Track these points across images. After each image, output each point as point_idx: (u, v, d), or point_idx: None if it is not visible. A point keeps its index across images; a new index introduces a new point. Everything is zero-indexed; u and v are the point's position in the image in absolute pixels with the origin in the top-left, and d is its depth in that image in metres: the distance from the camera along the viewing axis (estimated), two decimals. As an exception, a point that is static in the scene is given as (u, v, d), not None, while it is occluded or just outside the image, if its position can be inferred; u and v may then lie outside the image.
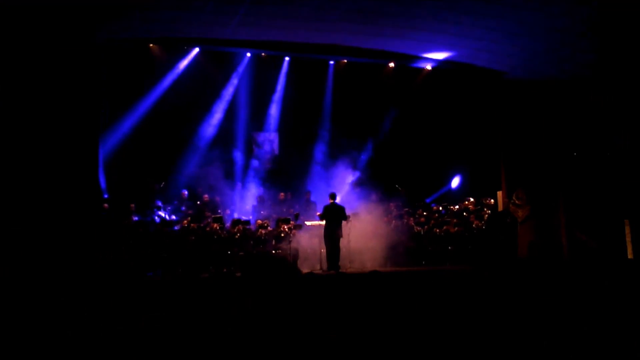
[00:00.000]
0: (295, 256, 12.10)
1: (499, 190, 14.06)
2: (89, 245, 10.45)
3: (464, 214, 14.54)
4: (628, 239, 12.10)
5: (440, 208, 14.77)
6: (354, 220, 12.26)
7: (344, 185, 14.07)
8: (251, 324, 4.11)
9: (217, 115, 14.74)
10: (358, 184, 13.81)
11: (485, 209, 14.57)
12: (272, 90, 15.33)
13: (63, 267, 9.60)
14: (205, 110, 14.63)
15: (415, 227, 13.73)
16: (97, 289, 7.57)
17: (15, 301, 5.75)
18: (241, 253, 12.08)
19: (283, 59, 15.09)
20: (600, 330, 4.06)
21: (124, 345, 3.93)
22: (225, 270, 11.82)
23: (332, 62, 15.37)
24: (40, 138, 10.28)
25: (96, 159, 11.62)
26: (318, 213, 12.32)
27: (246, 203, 14.17)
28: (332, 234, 11.65)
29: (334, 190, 12.46)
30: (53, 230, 9.96)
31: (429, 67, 15.05)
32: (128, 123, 13.47)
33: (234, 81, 14.77)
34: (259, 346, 3.73)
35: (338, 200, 12.27)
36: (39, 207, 9.99)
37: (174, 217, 12.91)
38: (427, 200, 15.90)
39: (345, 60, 15.13)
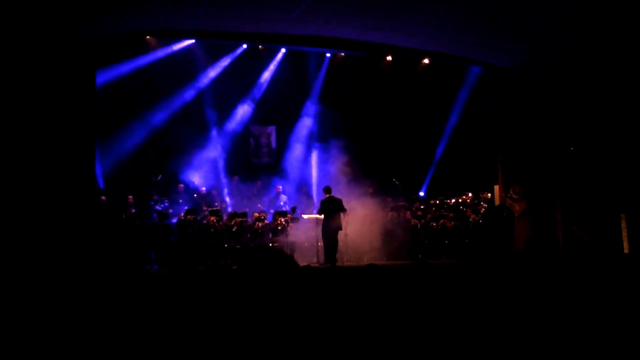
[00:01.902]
0: (292, 249, 12.11)
1: (496, 184, 14.08)
2: (86, 238, 10.41)
3: (461, 207, 14.56)
4: (624, 233, 12.14)
5: (437, 202, 14.79)
6: (350, 214, 12.25)
7: (340, 178, 14.05)
8: (248, 317, 4.11)
9: (214, 109, 14.69)
10: (355, 177, 13.78)
11: (482, 203, 14.60)
12: (270, 83, 15.27)
13: (59, 261, 9.57)
14: (202, 104, 14.58)
15: (412, 220, 13.73)
16: (94, 282, 7.55)
17: (9, 297, 5.73)
18: (238, 246, 12.08)
19: (279, 52, 15.00)
20: (596, 323, 4.07)
21: (120, 340, 3.92)
22: (222, 263, 11.81)
23: (328, 55, 15.31)
24: (35, 132, 10.20)
25: (92, 153, 11.56)
26: (317, 212, 12.23)
27: (243, 196, 14.16)
28: (330, 228, 11.60)
29: (329, 184, 12.38)
30: (49, 224, 9.91)
31: (426, 60, 15.04)
32: (123, 115, 13.43)
33: (231, 74, 14.70)
34: (255, 339, 3.73)
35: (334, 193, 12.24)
36: (34, 201, 9.94)
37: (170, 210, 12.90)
38: (421, 192, 15.96)
39: (343, 54, 15.11)
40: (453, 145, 16.18)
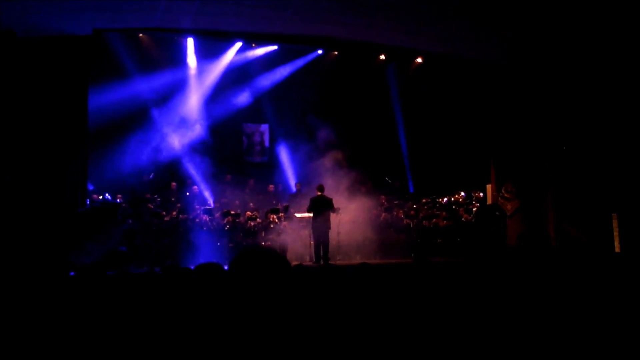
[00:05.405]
0: (285, 248, 12.09)
1: (488, 183, 14.10)
2: (78, 238, 10.34)
3: (453, 206, 14.57)
4: (615, 232, 12.20)
5: (429, 200, 14.81)
6: (343, 212, 12.23)
7: (332, 176, 14.02)
8: (238, 316, 4.10)
9: (207, 107, 14.62)
10: (347, 176, 13.76)
11: (474, 202, 14.62)
12: (263, 81, 15.21)
13: (51, 262, 9.49)
14: (196, 103, 14.51)
15: (404, 219, 13.73)
16: (86, 282, 7.50)
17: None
18: (231, 245, 12.06)
19: (273, 50, 14.93)
20: (587, 320, 4.08)
21: (110, 340, 3.90)
22: (213, 261, 11.79)
23: (319, 52, 15.21)
24: (26, 132, 10.12)
25: (85, 151, 11.49)
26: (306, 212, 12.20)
27: (236, 195, 14.11)
28: (320, 227, 11.54)
29: (322, 182, 12.35)
30: (40, 224, 9.83)
31: (419, 59, 15.04)
32: (117, 114, 13.33)
33: (223, 71, 14.61)
34: (246, 339, 3.72)
35: (327, 192, 12.21)
36: (25, 200, 9.86)
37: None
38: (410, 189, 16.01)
39: (337, 52, 15.07)
40: (447, 143, 16.20)
